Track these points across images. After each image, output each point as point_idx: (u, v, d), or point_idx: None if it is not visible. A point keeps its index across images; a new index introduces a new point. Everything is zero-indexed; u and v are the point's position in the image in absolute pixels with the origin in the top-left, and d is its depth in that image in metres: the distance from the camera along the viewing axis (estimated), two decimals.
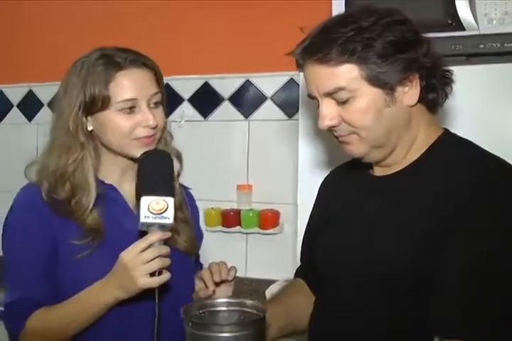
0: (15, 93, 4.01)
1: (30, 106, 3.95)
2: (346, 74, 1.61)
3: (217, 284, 1.90)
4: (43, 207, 1.87)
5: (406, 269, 1.59)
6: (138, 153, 1.88)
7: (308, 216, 2.03)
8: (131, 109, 1.87)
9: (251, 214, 3.27)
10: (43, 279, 1.86)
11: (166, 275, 1.70)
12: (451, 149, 1.71)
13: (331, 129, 1.70)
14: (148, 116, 1.88)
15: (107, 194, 1.94)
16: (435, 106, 1.73)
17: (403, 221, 1.65)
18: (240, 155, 3.37)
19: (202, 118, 3.47)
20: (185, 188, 2.15)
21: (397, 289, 1.62)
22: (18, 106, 4.00)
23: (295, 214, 2.56)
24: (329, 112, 1.66)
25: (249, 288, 2.04)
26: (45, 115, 3.86)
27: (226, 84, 3.44)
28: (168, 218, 1.66)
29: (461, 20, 2.23)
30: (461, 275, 1.52)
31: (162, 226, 1.67)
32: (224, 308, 1.65)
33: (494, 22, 2.24)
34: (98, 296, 1.78)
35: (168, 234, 1.69)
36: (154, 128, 1.90)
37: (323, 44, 1.62)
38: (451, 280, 1.53)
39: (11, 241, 1.91)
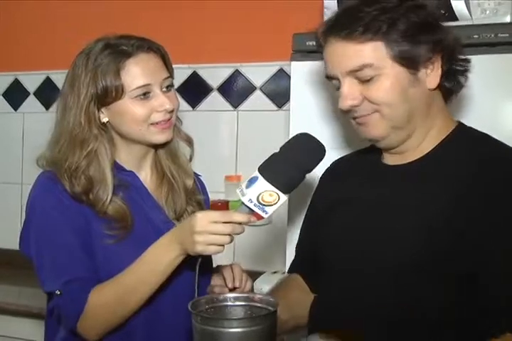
0: (0, 82, 3.95)
1: (15, 95, 3.91)
2: (373, 51, 1.63)
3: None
4: (66, 194, 1.85)
5: (424, 258, 1.60)
6: (158, 139, 1.91)
7: (309, 204, 2.01)
8: (145, 95, 1.86)
9: (240, 203, 3.23)
10: (87, 258, 1.83)
11: (221, 248, 1.68)
12: (470, 141, 1.73)
13: (351, 110, 1.69)
14: (164, 101, 1.87)
15: (129, 181, 1.94)
16: (451, 94, 1.75)
17: (422, 210, 1.65)
18: (229, 146, 3.35)
19: (190, 108, 3.44)
20: (197, 175, 2.15)
21: (415, 279, 1.62)
22: (3, 95, 3.95)
23: (285, 206, 2.54)
24: (352, 91, 1.67)
25: None
26: (31, 104, 3.84)
27: (215, 74, 3.41)
28: (267, 213, 1.61)
29: (454, 11, 2.22)
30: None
31: (252, 211, 1.62)
32: (233, 303, 1.61)
33: (487, 12, 2.23)
34: (160, 253, 1.76)
35: (253, 222, 1.64)
36: (171, 111, 1.89)
37: (349, 22, 1.64)
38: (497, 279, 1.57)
39: (47, 226, 1.85)
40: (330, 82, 1.77)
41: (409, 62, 1.63)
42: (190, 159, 2.08)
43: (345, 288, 1.73)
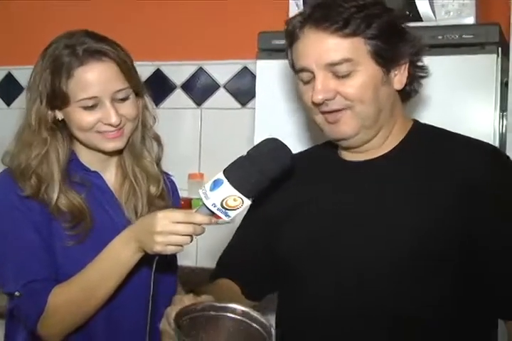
0: None
1: None
2: (353, 47, 1.62)
3: None
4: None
5: (419, 253, 1.61)
6: (106, 147, 1.84)
7: (252, 206, 1.89)
8: (92, 106, 1.78)
9: (202, 204, 3.21)
10: (48, 259, 1.78)
11: (180, 248, 1.64)
12: (431, 136, 1.74)
13: (321, 104, 1.66)
14: (109, 115, 1.79)
15: (93, 181, 1.89)
16: (408, 97, 1.77)
17: (398, 211, 1.65)
18: (192, 144, 3.33)
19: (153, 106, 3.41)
20: (167, 175, 2.09)
21: (407, 278, 1.62)
22: None
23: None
24: (326, 85, 1.64)
25: (200, 277, 2.00)
26: None
27: (178, 71, 3.39)
28: (229, 216, 1.55)
29: (419, 11, 2.23)
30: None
31: (213, 213, 1.57)
32: (215, 313, 1.50)
33: (451, 13, 2.25)
34: (118, 250, 1.72)
35: (213, 223, 1.60)
36: (118, 125, 1.81)
37: (328, 14, 1.62)
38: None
39: (8, 225, 1.80)
40: (295, 80, 1.75)
41: (386, 61, 1.64)
42: (159, 160, 2.02)
43: (329, 300, 1.68)
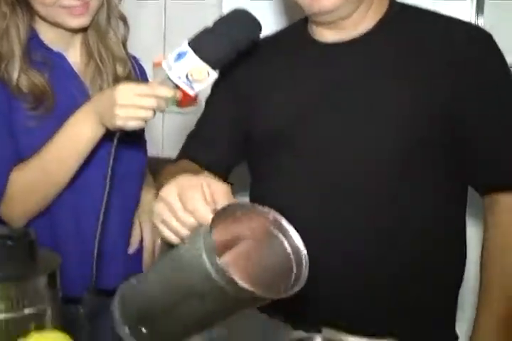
0: None
1: None
2: None
3: None
4: None
5: (413, 132, 1.64)
6: (71, 23, 1.79)
7: (217, 82, 1.85)
8: None
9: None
10: (10, 139, 1.77)
11: (142, 123, 1.62)
12: (411, 14, 1.74)
13: None
14: None
15: (54, 61, 1.85)
16: None
17: (399, 84, 1.66)
18: (156, 35, 3.27)
19: None
20: (135, 59, 2.06)
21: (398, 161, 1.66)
22: None
23: None
24: None
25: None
26: None
27: None
28: (194, 90, 1.53)
29: None
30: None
31: (177, 86, 1.54)
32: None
33: None
34: (77, 125, 1.70)
35: (178, 97, 1.57)
36: None
37: None
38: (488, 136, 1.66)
39: None
40: None
41: None
42: (126, 40, 1.99)
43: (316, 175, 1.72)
